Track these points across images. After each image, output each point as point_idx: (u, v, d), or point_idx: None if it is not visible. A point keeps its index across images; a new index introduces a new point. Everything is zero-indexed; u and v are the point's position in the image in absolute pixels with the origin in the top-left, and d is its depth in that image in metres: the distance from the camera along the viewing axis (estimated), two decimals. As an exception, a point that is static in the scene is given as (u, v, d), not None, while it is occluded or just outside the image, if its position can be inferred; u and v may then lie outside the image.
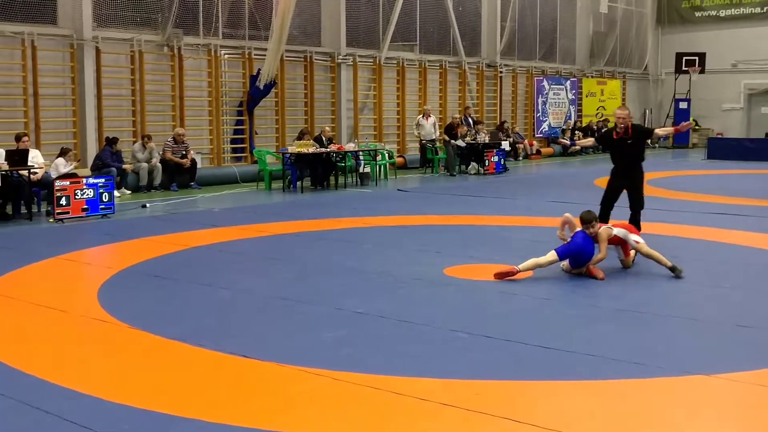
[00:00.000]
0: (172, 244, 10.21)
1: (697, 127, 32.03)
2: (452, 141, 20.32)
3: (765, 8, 31.28)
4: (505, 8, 26.06)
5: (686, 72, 30.49)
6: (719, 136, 29.47)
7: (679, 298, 7.58)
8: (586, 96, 30.20)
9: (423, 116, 21.29)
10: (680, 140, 31.09)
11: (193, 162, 16.94)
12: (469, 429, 4.43)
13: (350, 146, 18.47)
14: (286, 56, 19.67)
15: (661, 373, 5.29)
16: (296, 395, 4.95)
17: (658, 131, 10.37)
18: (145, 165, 16.23)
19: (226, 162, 19.10)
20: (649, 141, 11.01)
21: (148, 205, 14.03)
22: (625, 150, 9.83)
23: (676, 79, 31.18)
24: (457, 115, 21.48)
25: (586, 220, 8.32)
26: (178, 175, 16.71)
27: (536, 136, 27.82)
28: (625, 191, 9.98)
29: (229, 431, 4.39)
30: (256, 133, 19.38)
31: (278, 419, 4.55)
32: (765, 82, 31.38)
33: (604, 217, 9.88)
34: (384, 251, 9.80)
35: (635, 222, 9.77)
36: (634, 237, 8.45)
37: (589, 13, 29.90)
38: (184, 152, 16.72)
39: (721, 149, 25.62)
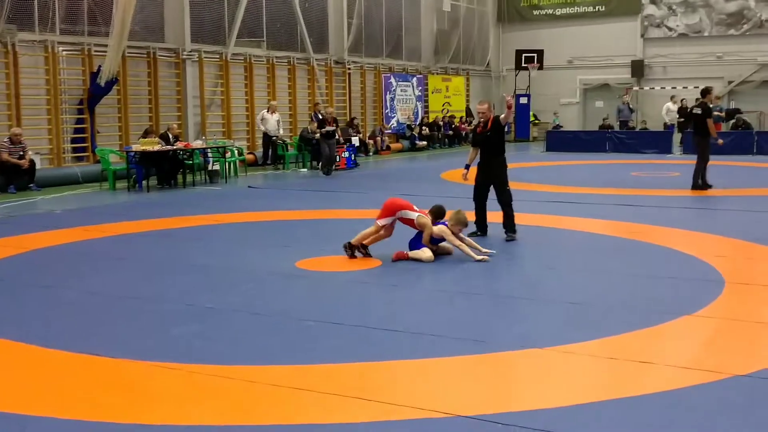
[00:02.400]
0: (11, 247, 9.77)
1: (537, 121, 33.53)
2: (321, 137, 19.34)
3: (597, 7, 33.12)
4: (351, 5, 26.34)
5: (526, 68, 31.83)
6: (557, 129, 30.94)
7: (517, 280, 8.00)
8: (432, 92, 30.99)
9: (268, 110, 21.21)
10: (521, 134, 32.43)
11: (32, 163, 16.21)
12: (323, 410, 4.54)
13: (198, 143, 18.19)
14: (129, 52, 19.12)
15: (500, 348, 5.59)
16: (150, 389, 4.92)
17: (501, 117, 10.18)
18: (-22, 167, 15.39)
19: (67, 162, 18.37)
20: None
21: (-17, 208, 13.33)
22: (486, 143, 10.06)
23: (516, 75, 32.50)
24: (331, 109, 21.10)
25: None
26: (16, 176, 15.94)
27: (385, 132, 28.29)
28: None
29: (83, 427, 4.32)
30: (98, 132, 18.74)
31: (133, 413, 4.51)
32: (598, 78, 33.25)
33: (479, 211, 10.12)
34: (235, 247, 9.77)
35: (508, 219, 9.83)
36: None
37: (432, 11, 30.67)
38: (21, 153, 15.96)
39: (559, 142, 26.94)
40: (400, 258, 8.65)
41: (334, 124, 19.52)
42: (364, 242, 8.86)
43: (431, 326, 6.15)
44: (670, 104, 27.27)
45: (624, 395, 4.72)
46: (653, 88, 31.81)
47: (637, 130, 28.77)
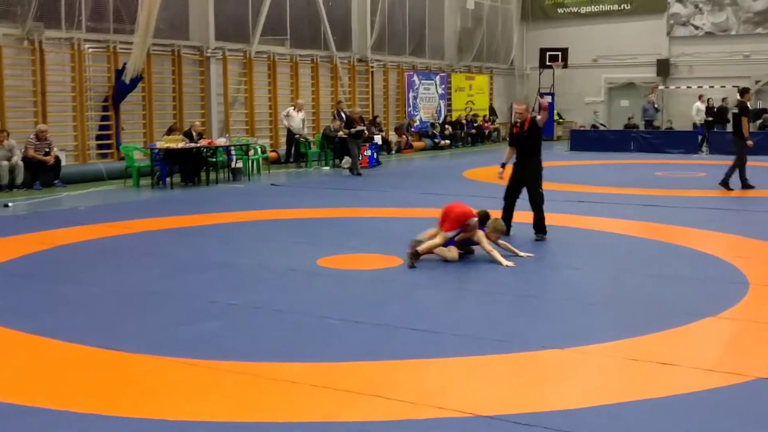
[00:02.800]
0: (37, 242, 9.87)
1: (561, 120, 33.35)
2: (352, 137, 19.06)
3: (622, 6, 32.87)
4: (374, 3, 26.33)
5: (550, 67, 31.65)
6: (582, 129, 30.75)
7: (541, 280, 7.96)
8: (455, 91, 30.92)
9: (294, 108, 21.28)
10: (545, 133, 32.12)
11: (57, 159, 16.37)
12: (341, 407, 4.55)
13: (221, 141, 18.27)
14: (153, 50, 19.25)
15: (522, 348, 5.57)
16: (169, 384, 4.95)
17: (538, 118, 10.12)
18: (5, 163, 15.56)
19: (92, 159, 18.52)
20: None
21: (10, 204, 13.46)
22: (522, 144, 10.05)
23: (540, 74, 32.33)
24: (358, 110, 21.09)
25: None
26: (42, 173, 16.10)
27: (413, 126, 28.25)
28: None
29: (101, 421, 4.36)
30: (123, 129, 18.88)
31: (151, 408, 4.55)
32: (623, 76, 32.98)
33: (507, 210, 10.09)
34: (257, 245, 9.80)
35: (539, 220, 9.81)
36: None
37: (456, 9, 30.60)
38: (47, 149, 16.12)
39: (584, 141, 26.77)
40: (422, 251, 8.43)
41: (362, 124, 19.40)
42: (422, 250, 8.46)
43: (453, 325, 6.14)
44: (699, 104, 26.97)
45: (645, 397, 4.69)
46: (679, 87, 31.51)
47: (662, 129, 28.54)
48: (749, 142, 14.81)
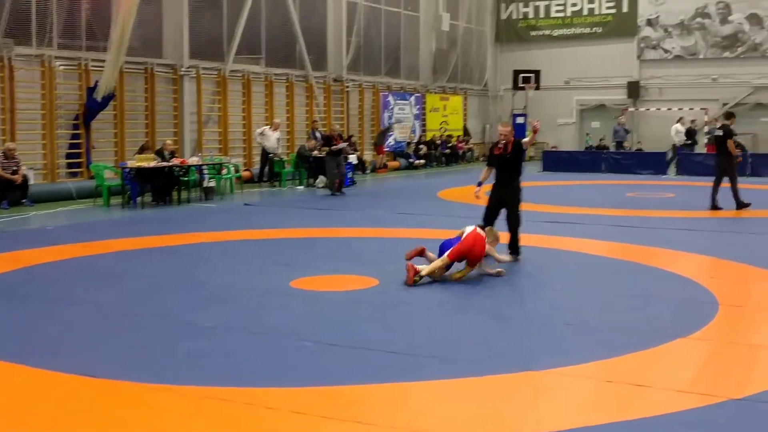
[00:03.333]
0: (6, 261, 9.73)
1: (534, 141, 33.56)
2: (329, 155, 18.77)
3: (594, 29, 33.28)
4: (350, 23, 26.42)
5: (523, 88, 31.92)
6: (554, 149, 30.99)
7: (515, 300, 7.99)
8: (430, 111, 31.05)
9: (270, 127, 21.21)
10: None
11: (25, 178, 16.17)
12: (317, 433, 4.51)
13: (194, 160, 18.17)
14: (126, 68, 19.14)
15: (498, 370, 5.57)
16: (143, 412, 4.87)
17: (525, 141, 10.26)
18: (-29, 181, 15.36)
19: (61, 177, 18.32)
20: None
21: (-23, 223, 13.28)
22: (504, 165, 10.03)
23: (513, 95, 32.59)
24: (338, 127, 20.93)
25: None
26: (9, 191, 15.88)
27: (384, 150, 28.32)
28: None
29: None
30: (94, 147, 18.71)
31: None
32: (595, 98, 33.34)
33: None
34: (230, 266, 9.73)
35: (515, 241, 9.87)
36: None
37: (431, 30, 30.79)
38: (15, 168, 15.91)
39: (556, 162, 26.97)
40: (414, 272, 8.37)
41: (342, 141, 19.24)
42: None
43: (428, 347, 6.12)
44: (678, 125, 27.29)
45: (621, 419, 4.71)
46: (649, 110, 31.91)
47: (632, 150, 28.85)
48: (739, 158, 15.32)
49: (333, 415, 4.74)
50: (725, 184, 14.95)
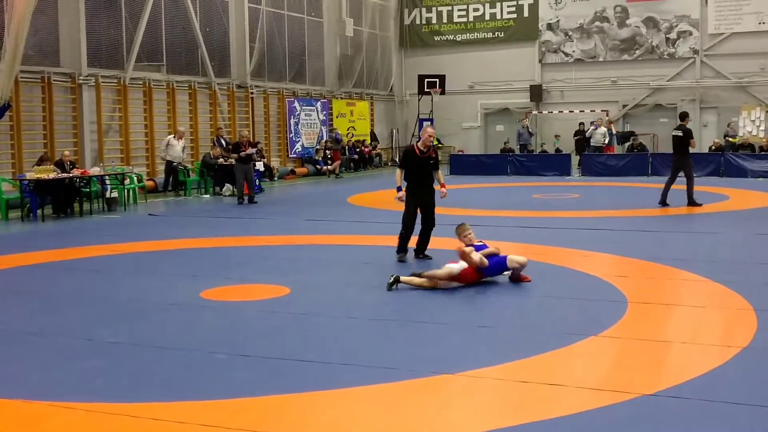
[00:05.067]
0: None
1: (440, 145, 33.91)
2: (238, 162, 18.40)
3: (496, 33, 33.88)
4: (253, 29, 26.14)
5: (428, 93, 32.19)
6: (460, 153, 31.37)
7: (426, 304, 7.97)
8: (337, 117, 31.00)
9: (175, 136, 20.75)
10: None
11: None
12: (230, 449, 4.38)
13: (95, 170, 17.62)
14: (22, 77, 18.42)
15: (412, 375, 5.53)
16: (39, 430, 4.64)
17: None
18: None
19: (-44, 191, 17.49)
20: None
21: None
22: (427, 168, 10.26)
23: (419, 100, 32.84)
24: (246, 132, 20.47)
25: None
26: None
27: (290, 156, 28.15)
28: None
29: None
30: (-10, 160, 17.94)
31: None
32: (499, 102, 33.94)
33: (409, 233, 10.17)
34: (136, 278, 9.44)
35: (427, 243, 10.16)
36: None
37: (335, 36, 30.74)
38: None
39: (463, 165, 27.30)
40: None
41: (250, 147, 18.88)
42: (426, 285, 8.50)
43: (342, 355, 6.05)
44: (603, 128, 27.62)
45: (537, 419, 4.73)
46: (551, 112, 32.68)
47: (536, 153, 29.44)
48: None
49: (244, 426, 4.62)
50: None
